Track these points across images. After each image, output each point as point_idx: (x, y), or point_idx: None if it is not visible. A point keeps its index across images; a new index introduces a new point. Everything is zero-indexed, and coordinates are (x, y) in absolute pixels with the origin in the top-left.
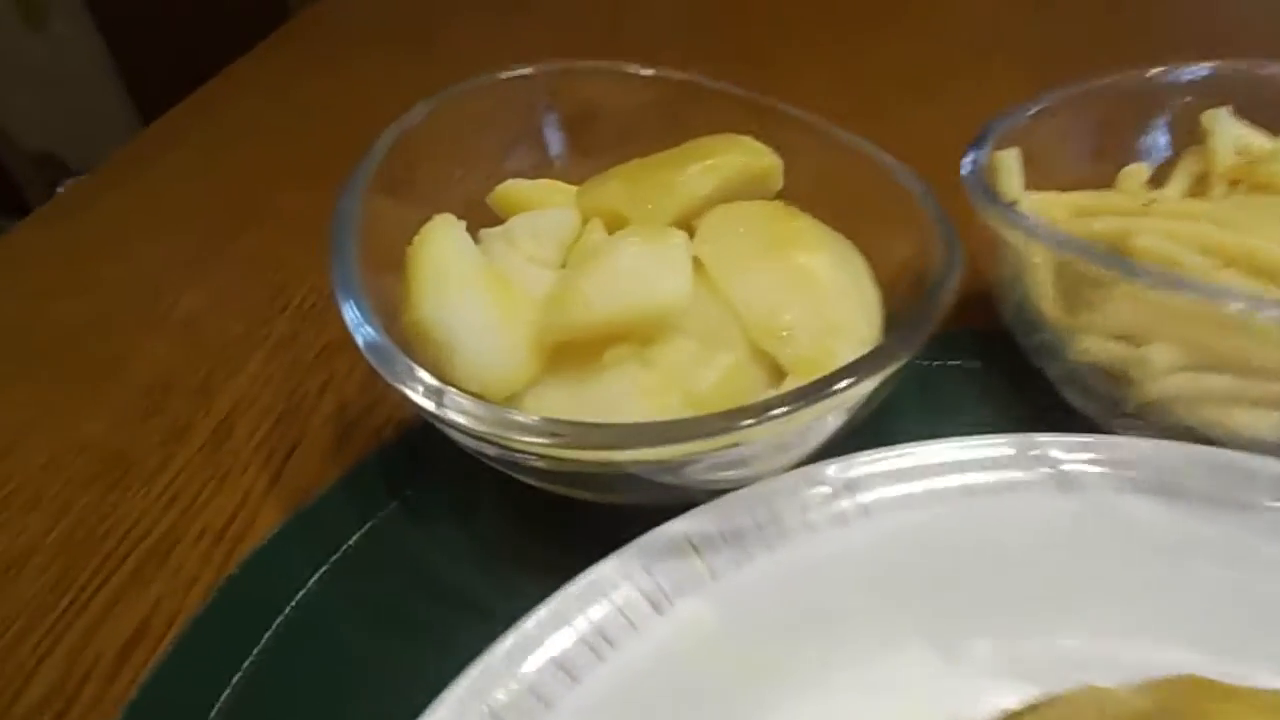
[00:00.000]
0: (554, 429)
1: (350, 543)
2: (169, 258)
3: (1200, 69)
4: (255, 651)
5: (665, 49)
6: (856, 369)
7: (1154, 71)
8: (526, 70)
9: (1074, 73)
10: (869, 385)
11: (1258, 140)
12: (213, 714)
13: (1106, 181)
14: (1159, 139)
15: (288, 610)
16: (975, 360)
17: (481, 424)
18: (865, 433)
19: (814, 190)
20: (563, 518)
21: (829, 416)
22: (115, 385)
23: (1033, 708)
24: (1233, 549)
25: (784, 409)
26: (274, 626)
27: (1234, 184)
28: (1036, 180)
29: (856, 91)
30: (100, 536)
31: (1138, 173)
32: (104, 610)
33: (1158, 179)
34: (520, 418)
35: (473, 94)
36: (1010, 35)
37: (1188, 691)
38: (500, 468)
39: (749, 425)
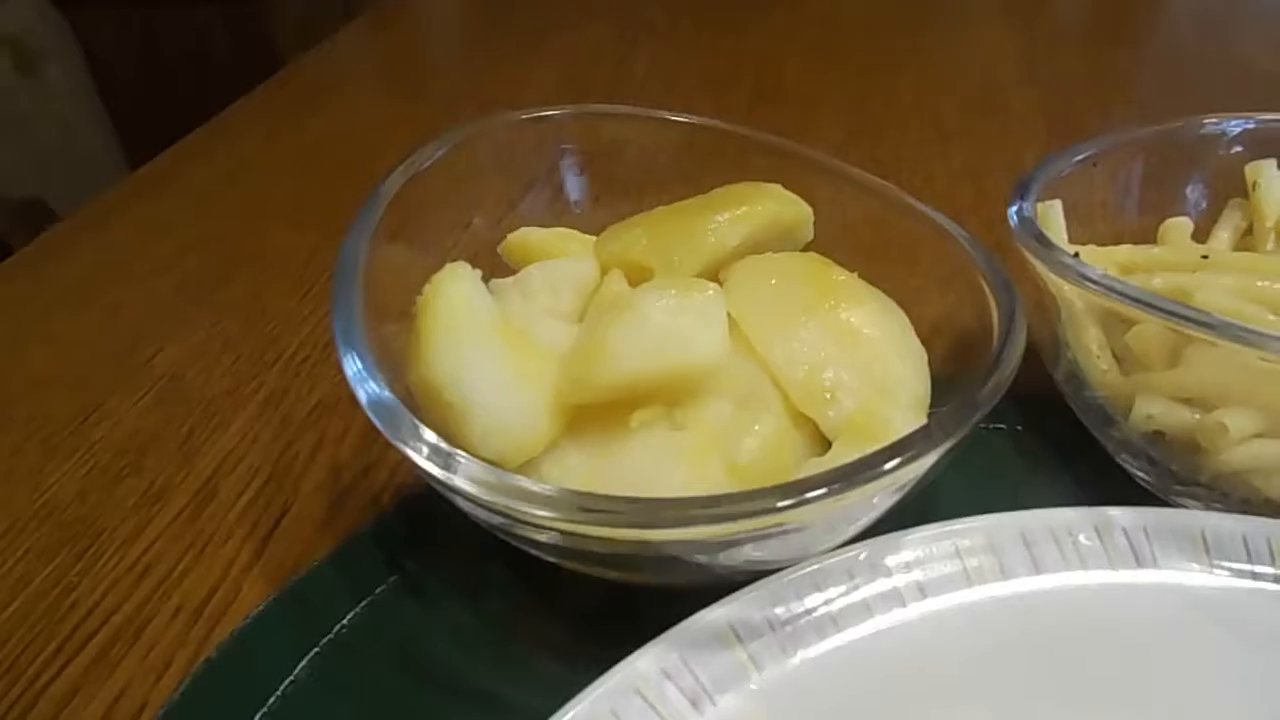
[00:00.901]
0: (577, 502)
1: (343, 624)
2: (150, 306)
3: (1240, 121)
4: None
5: (673, 93)
6: (915, 443)
7: (1192, 122)
8: (541, 112)
9: (1086, 114)
10: (929, 460)
11: None
12: None
13: (1146, 235)
14: (1198, 192)
15: (271, 701)
16: (1019, 423)
17: (494, 493)
18: (913, 506)
19: (845, 240)
20: (585, 598)
21: (887, 491)
22: (86, 443)
23: None
24: None
25: (838, 485)
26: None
27: None
28: (1074, 233)
29: (872, 135)
30: (63, 612)
31: (1183, 226)
32: (64, 697)
33: (1199, 233)
34: (538, 488)
35: (484, 135)
36: (1025, 79)
37: None
38: (515, 542)
39: (802, 503)
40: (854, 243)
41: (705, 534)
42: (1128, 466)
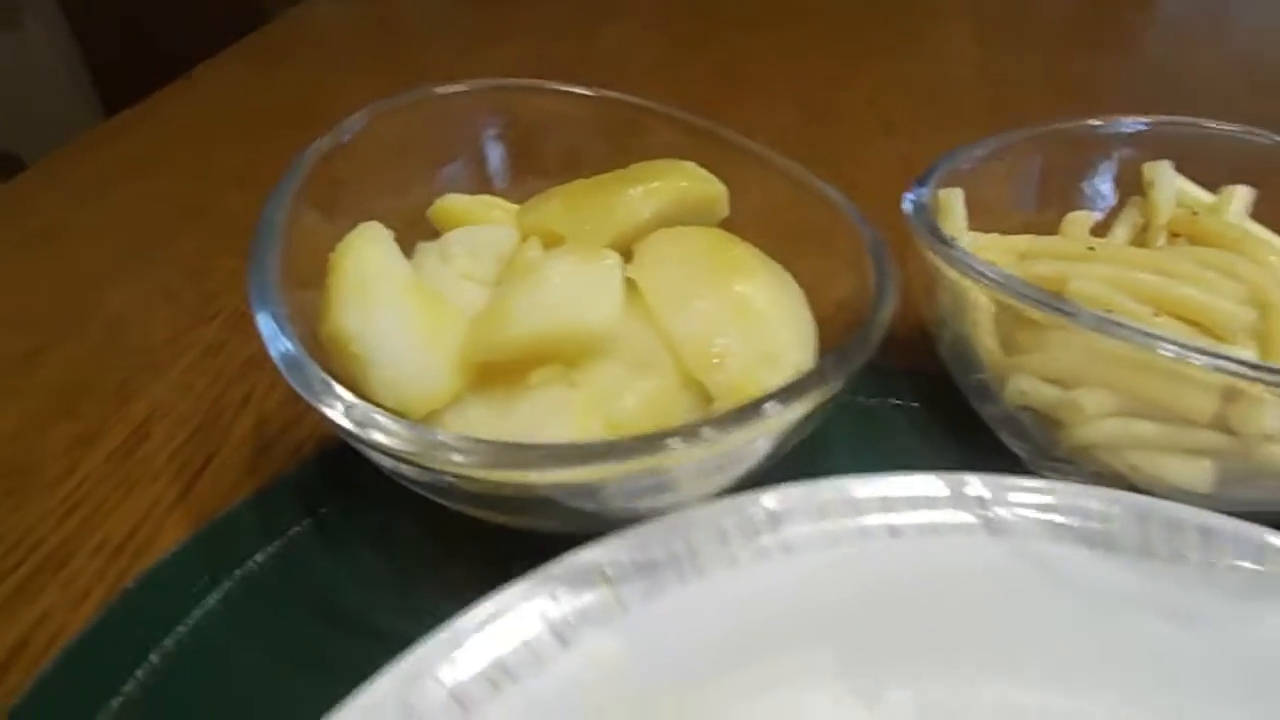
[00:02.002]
0: (465, 447)
1: (255, 561)
2: (99, 257)
3: (1141, 122)
4: (139, 672)
5: (635, 74)
6: (780, 395)
7: (1098, 122)
8: (464, 86)
9: (1036, 114)
10: (792, 413)
11: (1197, 194)
12: None
13: (1052, 228)
14: (1103, 188)
15: (179, 629)
16: (916, 401)
17: (390, 439)
18: (799, 468)
19: (758, 219)
20: (483, 543)
21: (753, 444)
22: (26, 385)
23: None
24: (1158, 601)
25: (703, 434)
26: (163, 645)
27: (1174, 236)
28: (981, 223)
29: (820, 123)
30: None
31: (1082, 220)
32: None
33: (1102, 228)
34: (429, 435)
35: (410, 108)
36: (978, 77)
37: None
38: (417, 489)
39: (664, 449)
40: (765, 221)
41: (567, 477)
42: (1006, 441)
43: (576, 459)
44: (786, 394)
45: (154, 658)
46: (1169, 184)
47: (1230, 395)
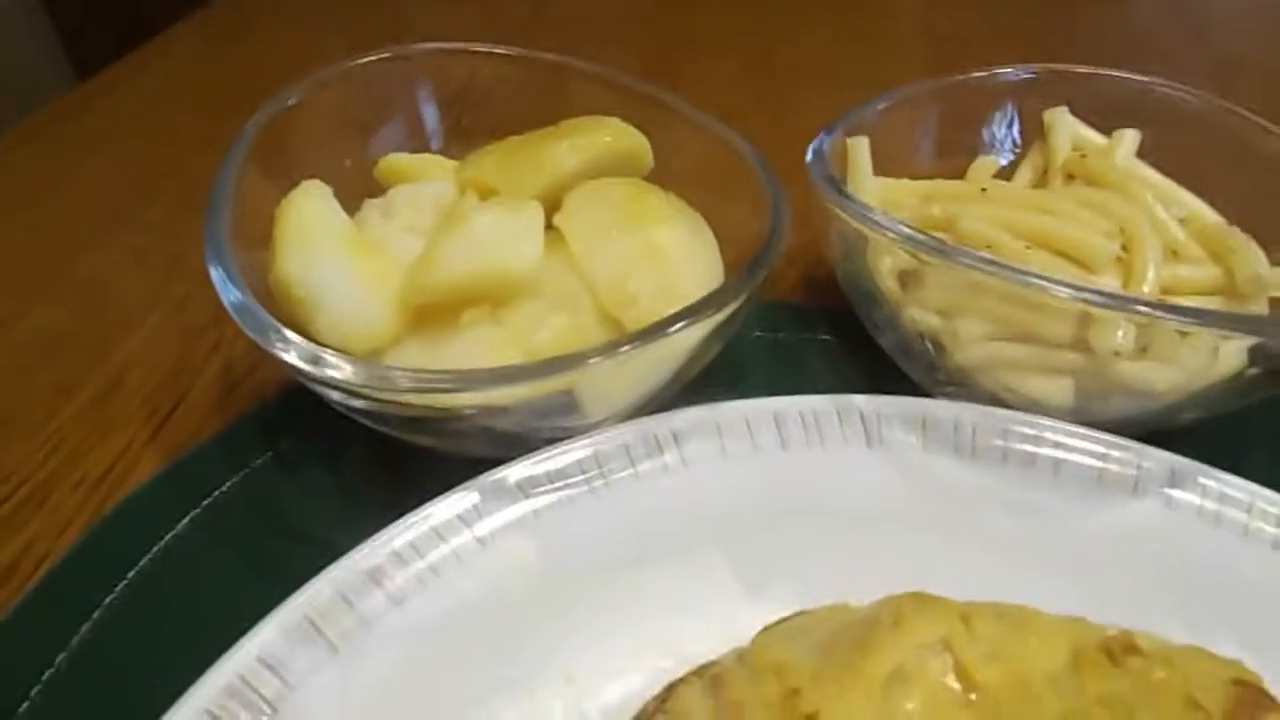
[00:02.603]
0: (397, 375)
1: (222, 489)
2: (73, 222)
3: (1038, 70)
4: (119, 587)
5: (591, 34)
6: (670, 321)
7: (1003, 71)
8: (398, 51)
9: (974, 66)
10: (684, 337)
11: (1092, 138)
12: (74, 642)
13: (963, 172)
14: (1009, 134)
15: (155, 550)
16: (829, 335)
17: (332, 371)
18: (723, 397)
19: (679, 171)
20: (421, 467)
21: (657, 367)
22: (6, 342)
23: (786, 619)
24: (1008, 498)
25: (601, 355)
26: (140, 565)
27: (1070, 177)
28: (896, 168)
29: (770, 77)
30: None
31: (987, 165)
32: None
33: (1011, 171)
34: (368, 366)
35: (348, 75)
36: (923, 32)
37: (907, 601)
38: (363, 419)
39: (564, 370)
40: (684, 172)
41: (487, 399)
42: (903, 367)
43: (492, 381)
44: (676, 319)
45: (131, 575)
46: (1066, 129)
47: (1085, 320)
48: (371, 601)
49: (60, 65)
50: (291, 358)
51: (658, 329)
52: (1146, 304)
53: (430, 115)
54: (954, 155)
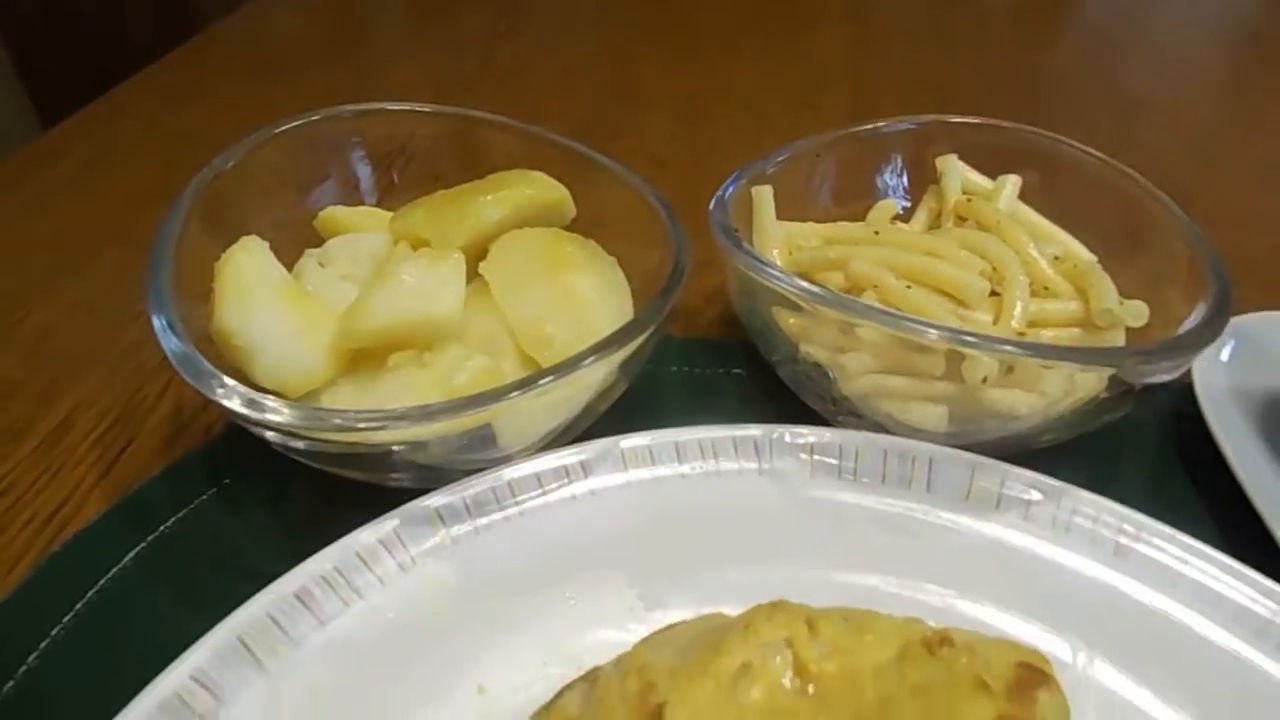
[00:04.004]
0: (325, 416)
1: (167, 525)
2: (25, 275)
3: (934, 120)
4: (68, 618)
5: (528, 86)
6: (580, 356)
7: (901, 121)
8: (338, 111)
9: (892, 111)
10: (592, 372)
11: (980, 182)
12: (20, 673)
13: (865, 215)
14: (901, 181)
15: (102, 583)
16: (740, 368)
17: (253, 410)
18: (638, 428)
19: (598, 218)
20: (359, 501)
21: (570, 401)
22: None
23: (665, 627)
24: (885, 516)
25: (516, 392)
26: (88, 596)
27: (961, 219)
28: (804, 212)
29: (698, 126)
30: None
31: (887, 208)
32: None
33: (909, 214)
34: (286, 406)
35: (292, 133)
36: (845, 77)
37: (762, 608)
38: (299, 457)
39: (481, 406)
40: (602, 220)
41: (408, 435)
42: (803, 398)
43: (414, 419)
44: (581, 356)
45: (79, 607)
46: (955, 174)
47: (954, 355)
48: (299, 622)
49: (28, 116)
50: (231, 403)
51: (569, 364)
52: (1007, 342)
53: (365, 171)
54: (861, 199)
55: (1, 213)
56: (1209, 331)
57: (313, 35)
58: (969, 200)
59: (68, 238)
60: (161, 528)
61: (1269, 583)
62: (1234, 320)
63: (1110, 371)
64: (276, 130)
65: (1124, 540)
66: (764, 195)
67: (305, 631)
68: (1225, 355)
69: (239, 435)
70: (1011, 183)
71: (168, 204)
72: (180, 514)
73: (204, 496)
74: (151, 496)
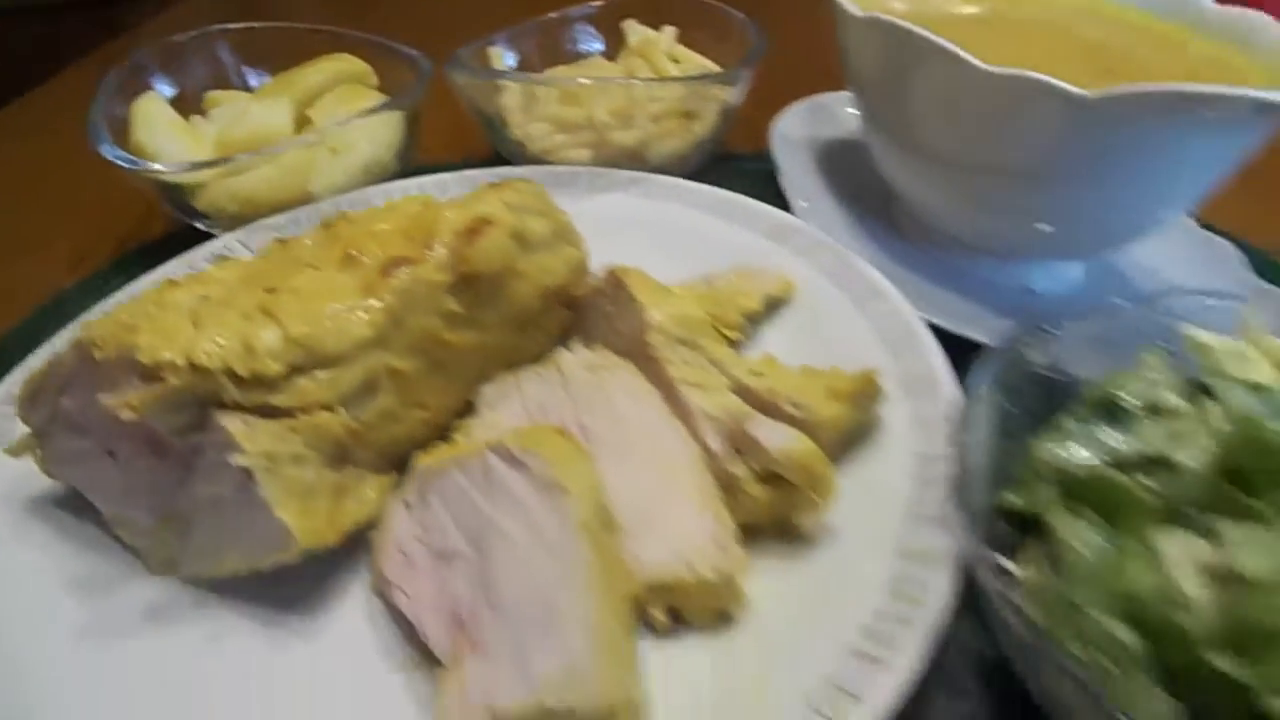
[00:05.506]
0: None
1: None
2: None
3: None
4: None
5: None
6: (345, 120)
7: (593, 4)
8: (223, 27)
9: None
10: (342, 132)
11: (651, 32)
12: None
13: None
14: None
15: None
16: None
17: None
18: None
19: (391, 82)
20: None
21: (346, 161)
22: None
23: None
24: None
25: (285, 145)
26: None
27: (640, 56)
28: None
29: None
30: None
31: (597, 62)
32: None
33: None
34: (168, 167)
35: (186, 44)
36: None
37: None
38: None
39: (253, 155)
40: (394, 82)
41: (194, 177)
42: (515, 162)
43: (198, 168)
44: (341, 120)
45: None
46: (637, 31)
47: (599, 125)
48: None
49: None
50: (147, 170)
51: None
52: (624, 80)
53: (234, 63)
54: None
55: None
56: (738, 74)
57: None
58: (643, 41)
59: None
60: None
61: (764, 206)
62: (811, 98)
63: (686, 89)
64: (175, 39)
65: (677, 193)
66: (498, 52)
67: None
68: (798, 120)
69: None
70: (668, 31)
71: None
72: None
73: None
74: None
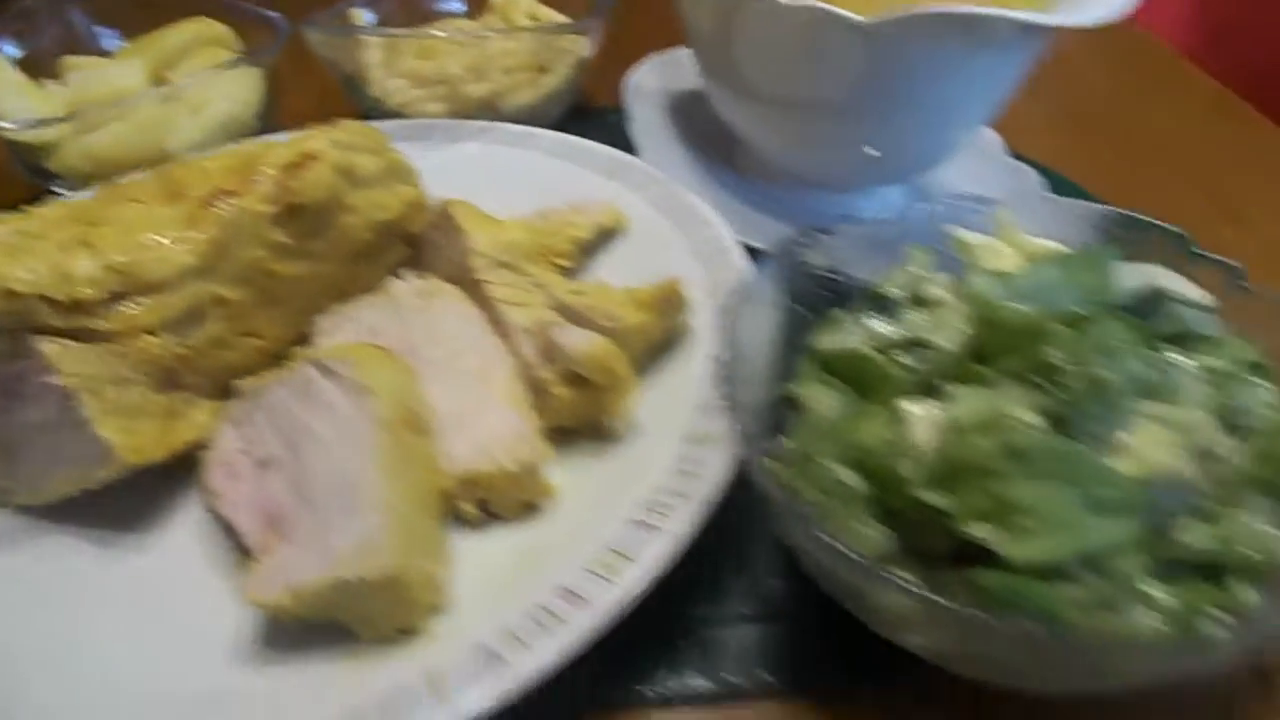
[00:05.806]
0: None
1: None
2: None
3: None
4: None
5: None
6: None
7: None
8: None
9: None
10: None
11: None
12: None
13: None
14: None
15: None
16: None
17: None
18: None
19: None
20: None
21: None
22: None
23: None
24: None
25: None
26: None
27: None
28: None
29: None
30: None
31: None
32: None
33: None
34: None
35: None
36: None
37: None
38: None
39: (100, 112)
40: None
41: (49, 134)
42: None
43: (53, 123)
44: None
45: None
46: None
47: (453, 79)
48: None
49: None
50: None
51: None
52: (477, 34)
53: (85, 26)
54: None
55: None
56: (586, 24)
57: None
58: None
59: None
60: None
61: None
62: (666, 52)
63: (537, 41)
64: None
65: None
66: (359, 13)
67: None
68: (653, 73)
69: None
70: None
71: None
72: None
73: None
74: None
